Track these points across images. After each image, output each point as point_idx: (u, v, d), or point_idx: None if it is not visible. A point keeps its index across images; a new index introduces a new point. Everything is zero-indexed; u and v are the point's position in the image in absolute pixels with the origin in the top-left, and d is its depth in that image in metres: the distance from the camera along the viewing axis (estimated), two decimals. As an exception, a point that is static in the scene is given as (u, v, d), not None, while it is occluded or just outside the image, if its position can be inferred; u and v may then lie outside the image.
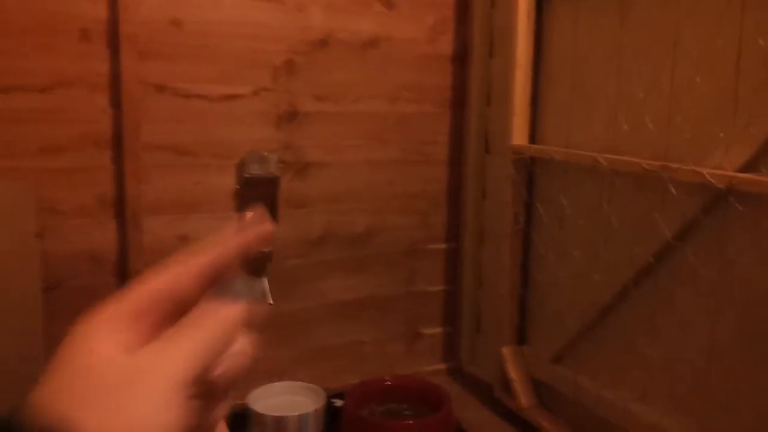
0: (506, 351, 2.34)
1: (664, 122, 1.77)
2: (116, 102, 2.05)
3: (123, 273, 2.14)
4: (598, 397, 2.00)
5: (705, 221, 1.66)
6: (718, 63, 1.62)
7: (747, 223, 1.57)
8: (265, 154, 2.23)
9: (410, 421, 2.22)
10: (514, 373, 2.30)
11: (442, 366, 2.70)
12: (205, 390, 0.42)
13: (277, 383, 2.37)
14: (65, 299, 2.09)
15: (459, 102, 2.54)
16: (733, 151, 1.57)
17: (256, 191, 2.25)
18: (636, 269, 1.84)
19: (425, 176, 2.54)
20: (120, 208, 2.11)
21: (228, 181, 2.24)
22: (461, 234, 2.61)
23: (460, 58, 2.51)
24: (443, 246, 2.63)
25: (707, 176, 1.56)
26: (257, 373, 2.37)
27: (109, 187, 2.10)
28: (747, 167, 1.54)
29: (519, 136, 2.20)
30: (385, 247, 2.53)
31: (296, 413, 2.16)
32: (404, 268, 2.58)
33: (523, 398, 2.27)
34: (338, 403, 2.36)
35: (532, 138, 2.24)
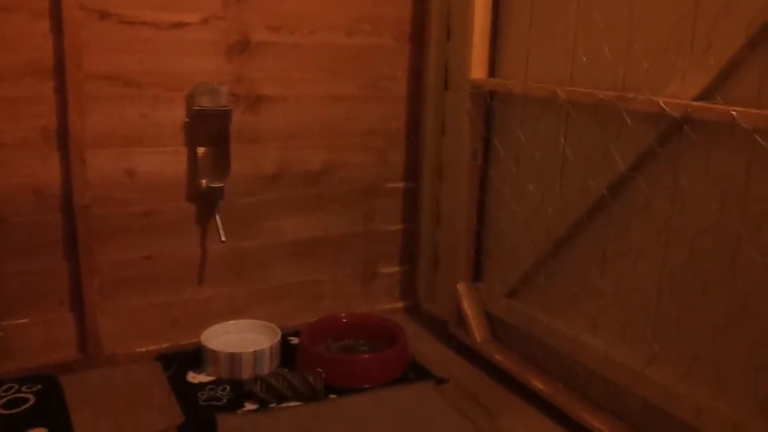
0: (461, 287, 2.35)
1: (623, 53, 1.75)
2: (57, 28, 1.95)
3: (68, 209, 2.07)
4: (551, 329, 2.02)
5: (659, 152, 1.66)
6: (677, -10, 1.59)
7: (700, 152, 1.57)
8: (216, 86, 2.15)
9: (365, 356, 2.23)
10: (468, 308, 2.32)
11: (399, 304, 2.71)
12: None
13: (231, 321, 2.35)
14: (7, 235, 2.02)
15: (418, 36, 2.47)
16: (689, 81, 1.56)
17: (206, 125, 2.18)
18: (590, 202, 1.85)
19: (383, 113, 2.49)
20: (63, 140, 2.03)
21: (177, 114, 2.16)
22: (420, 172, 2.58)
23: (419, -11, 2.44)
24: (401, 185, 2.60)
25: (662, 105, 1.55)
26: (212, 311, 2.35)
27: (52, 118, 2.01)
28: (703, 96, 1.54)
29: (477, 70, 2.16)
30: (342, 186, 2.49)
31: (251, 350, 2.15)
32: (362, 206, 2.55)
33: (478, 333, 2.29)
34: (294, 340, 2.35)
35: (492, 72, 2.21)
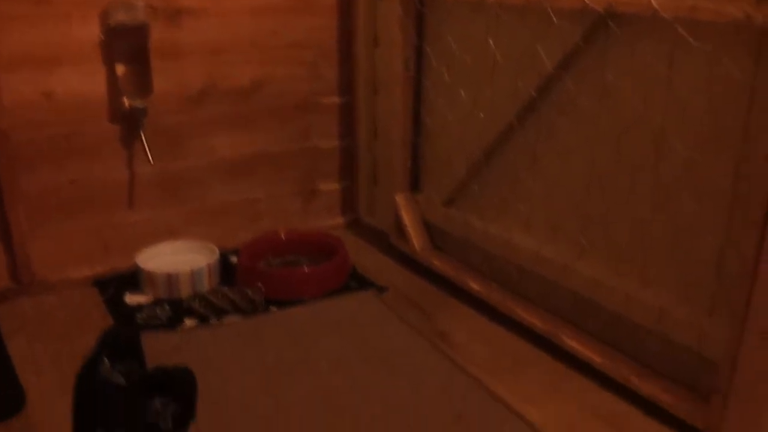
0: (399, 198, 2.35)
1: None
2: (-47, -63, 1.81)
3: (-15, 133, 1.98)
4: (485, 234, 2.06)
5: (585, 49, 1.66)
6: None
7: (625, 47, 1.58)
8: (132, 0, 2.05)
9: (304, 268, 2.24)
10: (407, 219, 2.33)
11: (340, 220, 2.71)
12: None
13: (167, 242, 2.32)
14: None
15: (345, -61, 2.38)
16: (612, -27, 1.54)
17: (124, 41, 2.08)
18: (520, 105, 1.85)
19: (313, 24, 2.40)
20: (-27, 62, 1.92)
21: (92, 31, 2.04)
22: (354, 85, 2.53)
23: None
24: (336, 99, 2.55)
25: (587, 0, 1.54)
26: (147, 233, 2.31)
27: (-41, 39, 1.89)
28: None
29: (406, -26, 2.10)
30: (273, 101, 2.43)
31: (188, 268, 2.13)
32: (296, 123, 2.50)
33: (417, 242, 2.31)
34: (234, 259, 2.34)
35: (421, -23, 2.15)
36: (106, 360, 1.34)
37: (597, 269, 1.74)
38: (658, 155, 1.55)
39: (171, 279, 2.11)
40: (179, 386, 1.38)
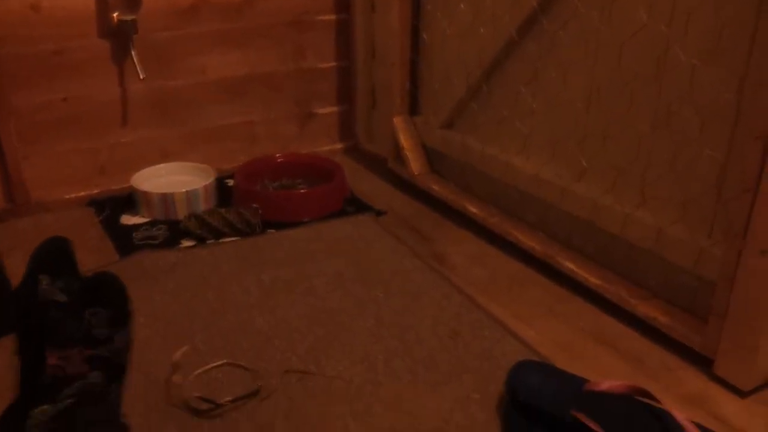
0: (398, 121, 2.30)
1: None
2: None
3: (-32, 46, 1.92)
4: (484, 156, 2.02)
5: (590, -45, 1.58)
6: None
7: (631, -48, 1.50)
8: None
9: (301, 190, 2.21)
10: (405, 142, 2.29)
11: (338, 145, 2.66)
12: None
13: (162, 164, 2.29)
14: None
15: None
16: None
17: (112, -53, 2.00)
18: (520, 18, 1.77)
19: (308, -65, 2.31)
20: (-48, -32, 1.84)
21: (77, -64, 1.97)
22: (351, 1, 2.44)
23: None
24: (332, 17, 2.47)
25: None
26: (141, 155, 2.28)
27: (-66, -57, 1.81)
28: None
29: None
30: (266, 18, 2.34)
31: (184, 189, 2.10)
32: (291, 42, 2.42)
33: (414, 166, 2.27)
34: (230, 183, 2.31)
35: None
36: (45, 278, 1.33)
37: (595, 190, 1.71)
38: (660, 67, 1.49)
39: (167, 199, 2.09)
40: (108, 293, 1.37)
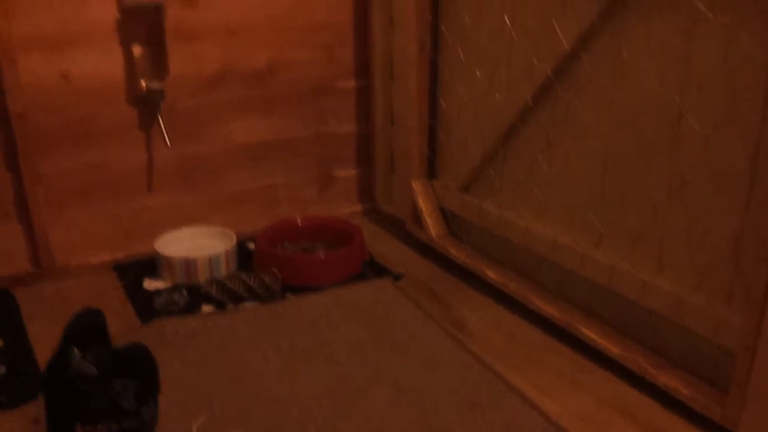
0: (416, 185, 2.33)
1: (565, -76, 1.67)
2: None
3: (3, 116, 1.99)
4: (501, 220, 2.02)
5: (601, 26, 1.61)
6: None
7: (641, 22, 1.52)
8: (147, -21, 2.05)
9: (321, 254, 2.23)
10: (423, 205, 2.31)
11: (358, 207, 2.69)
12: None
13: (185, 228, 2.33)
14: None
15: None
16: (631, -52, 1.49)
17: (140, 22, 2.08)
18: (535, 85, 1.81)
19: (328, 4, 2.38)
20: (-10, 44, 1.93)
21: (108, 11, 2.04)
22: (370, 69, 2.51)
23: None
24: (352, 84, 2.53)
25: (603, -25, 1.49)
26: (165, 219, 2.32)
27: (-25, 20, 1.90)
28: (644, -35, 1.48)
29: (421, -47, 2.07)
30: (289, 85, 2.41)
31: (206, 254, 2.13)
32: (312, 107, 2.48)
33: (433, 229, 2.29)
34: (251, 246, 2.34)
35: (437, -44, 2.11)
36: (76, 351, 1.34)
37: (613, 256, 1.70)
38: (674, 136, 1.50)
39: (189, 264, 2.12)
40: (138, 366, 1.38)
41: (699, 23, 1.40)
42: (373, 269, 2.22)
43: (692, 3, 1.38)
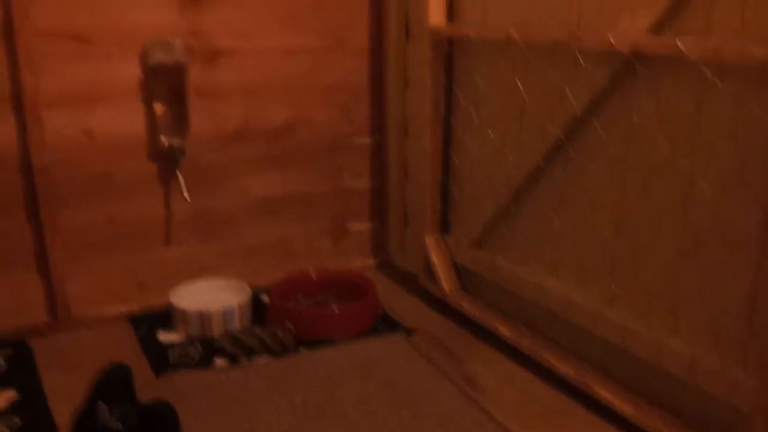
0: (429, 240, 2.35)
1: (575, -8, 1.73)
2: (4, -15, 1.91)
3: (27, 171, 2.05)
4: (514, 276, 2.04)
5: (612, 91, 1.65)
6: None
7: (651, 89, 1.56)
8: (170, 40, 2.12)
9: (334, 308, 2.24)
10: (436, 260, 2.32)
11: (371, 261, 2.71)
12: None
13: (201, 280, 2.35)
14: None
15: (377, -17, 2.43)
16: (638, 16, 1.54)
17: (163, 81, 2.15)
18: (547, 146, 1.84)
19: (345, 65, 2.45)
20: (18, 101, 2.00)
21: (132, 70, 2.12)
22: (385, 126, 2.56)
23: (376, -68, 2.40)
24: (367, 140, 2.58)
25: (612, 41, 1.53)
26: (180, 271, 2.35)
27: (5, 78, 1.98)
28: (652, 31, 1.52)
29: (435, 15, 2.13)
30: (306, 142, 2.47)
31: (220, 307, 2.15)
32: (328, 163, 2.53)
33: (446, 284, 2.30)
34: (265, 298, 2.36)
35: (451, 19, 2.18)
36: (103, 407, 1.35)
37: (627, 316, 1.71)
38: (685, 199, 1.52)
39: (203, 317, 2.14)
40: (163, 422, 1.39)
41: (707, 90, 1.43)
42: (386, 323, 2.23)
43: (700, 71, 1.42)
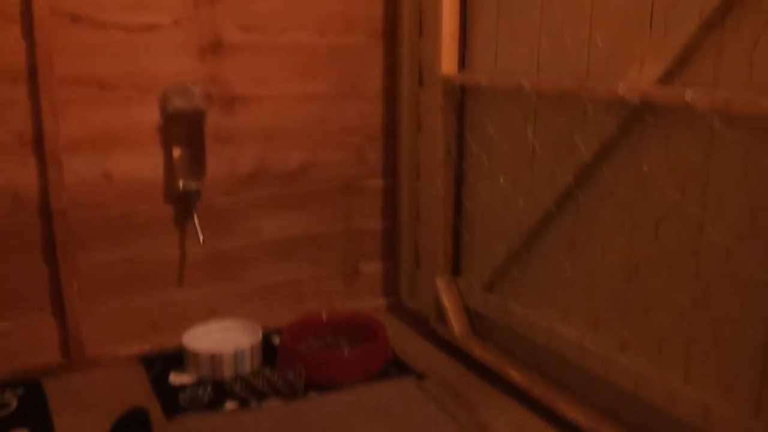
0: (440, 282, 2.36)
1: (584, 42, 1.76)
2: (29, 33, 1.97)
3: (46, 213, 2.09)
4: (526, 321, 2.04)
5: (621, 139, 1.67)
6: (635, -22, 1.61)
7: (661, 138, 1.59)
8: (189, 87, 2.17)
9: (344, 352, 2.24)
10: (448, 303, 2.33)
11: (382, 302, 2.72)
12: None
13: (213, 322, 2.36)
14: (-14, 239, 2.05)
15: (391, 33, 2.49)
16: (647, 67, 1.57)
17: (181, 126, 2.20)
18: (558, 192, 1.86)
19: (359, 110, 2.50)
20: (39, 145, 2.05)
21: (151, 116, 2.17)
22: (398, 169, 2.60)
23: (390, -13, 2.46)
24: (380, 182, 2.62)
25: (621, 91, 1.56)
26: (193, 312, 2.37)
27: (27, 123, 2.03)
28: (662, 81, 1.55)
29: (448, 64, 2.18)
30: (320, 184, 2.50)
31: (231, 349, 2.16)
32: (341, 204, 2.56)
33: (457, 327, 2.30)
34: (276, 340, 2.36)
35: (462, 67, 2.22)
36: None
37: (639, 362, 1.70)
38: (696, 245, 1.53)
39: (214, 359, 2.14)
40: None
41: (716, 139, 1.45)
42: (397, 367, 2.23)
43: (709, 121, 1.44)
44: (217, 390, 2.08)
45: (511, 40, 2.02)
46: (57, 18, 1.99)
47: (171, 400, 2.03)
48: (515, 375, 2.04)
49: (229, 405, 2.01)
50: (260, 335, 2.26)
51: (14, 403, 2.00)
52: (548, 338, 1.95)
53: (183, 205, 2.27)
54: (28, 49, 1.98)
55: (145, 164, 2.20)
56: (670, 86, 1.52)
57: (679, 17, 1.50)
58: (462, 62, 2.22)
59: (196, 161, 2.24)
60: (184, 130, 2.21)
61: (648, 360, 1.68)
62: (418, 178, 2.53)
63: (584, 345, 1.83)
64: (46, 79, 1.99)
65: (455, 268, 2.39)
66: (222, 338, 2.30)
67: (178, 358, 2.24)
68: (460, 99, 2.23)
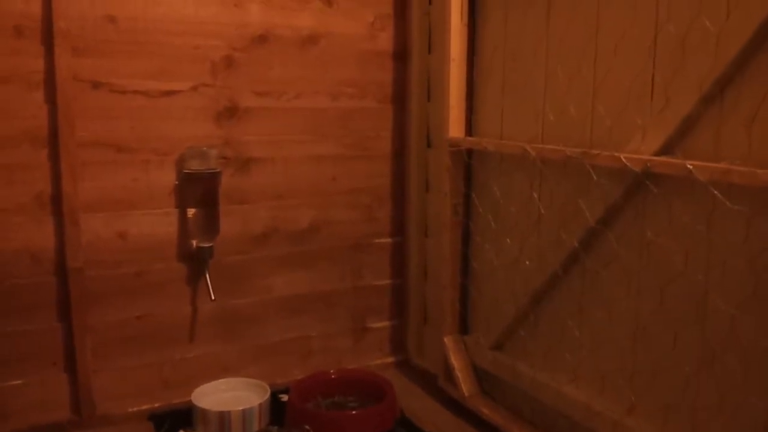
0: (448, 340, 2.38)
1: (587, 111, 1.83)
2: (51, 99, 2.05)
3: (61, 271, 2.14)
4: (534, 382, 2.05)
5: (625, 205, 1.72)
6: (635, 51, 1.68)
7: (663, 205, 1.63)
8: (205, 149, 2.24)
9: (353, 412, 2.25)
10: (456, 362, 2.34)
11: (390, 359, 2.73)
12: None
13: (221, 380, 2.38)
14: (3, 297, 2.08)
15: (400, 97, 2.58)
16: (649, 136, 1.62)
17: (196, 187, 2.26)
18: (563, 255, 1.90)
19: (369, 171, 2.57)
20: (57, 205, 2.10)
21: (168, 177, 2.24)
22: (406, 228, 2.64)
23: (400, 54, 2.55)
24: (389, 240, 2.66)
25: (624, 160, 1.61)
26: (203, 369, 2.38)
27: (47, 184, 2.09)
28: (663, 151, 1.60)
29: (455, 129, 2.25)
30: (330, 243, 2.55)
31: (240, 408, 2.17)
32: (350, 262, 2.60)
33: (465, 387, 2.30)
34: (284, 398, 2.37)
35: (469, 131, 2.29)
36: None
37: (646, 424, 1.70)
38: (701, 312, 1.55)
39: (223, 418, 2.15)
40: None
41: (718, 207, 1.49)
42: (404, 427, 2.23)
43: (708, 189, 1.48)
44: (226, 449, 2.09)
45: (517, 107, 2.09)
46: (79, 84, 2.07)
47: (180, 460, 2.03)
48: (523, 437, 2.04)
49: (238, 465, 2.02)
50: (269, 394, 2.27)
51: (24, 461, 2.01)
52: (556, 399, 1.96)
53: (196, 263, 2.32)
54: (49, 114, 2.05)
55: (160, 223, 2.25)
56: (672, 156, 1.57)
57: (680, 90, 1.56)
58: (469, 127, 2.29)
59: (210, 220, 2.30)
60: (199, 190, 2.27)
61: (655, 425, 1.68)
62: (426, 237, 2.58)
63: (592, 407, 1.84)
64: (67, 142, 2.06)
65: (463, 327, 2.41)
66: (231, 397, 2.31)
67: (187, 416, 2.25)
68: (467, 162, 2.29)
